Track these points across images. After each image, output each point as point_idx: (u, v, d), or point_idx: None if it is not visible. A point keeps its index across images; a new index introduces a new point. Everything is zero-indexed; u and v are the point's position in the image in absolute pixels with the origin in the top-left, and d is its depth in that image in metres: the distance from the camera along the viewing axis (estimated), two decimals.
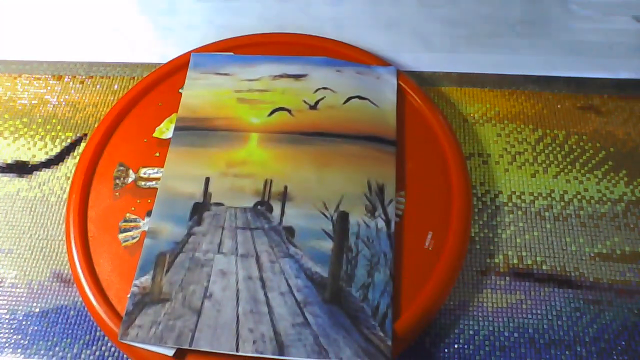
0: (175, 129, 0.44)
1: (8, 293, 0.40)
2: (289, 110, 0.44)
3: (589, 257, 0.40)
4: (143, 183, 0.42)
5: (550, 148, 0.45)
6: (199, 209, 0.40)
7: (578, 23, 0.51)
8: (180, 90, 0.46)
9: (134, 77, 0.50)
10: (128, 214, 0.41)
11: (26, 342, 0.39)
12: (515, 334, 0.38)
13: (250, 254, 0.39)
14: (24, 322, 0.39)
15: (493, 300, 0.39)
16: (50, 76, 0.51)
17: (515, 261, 0.40)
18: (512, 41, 0.49)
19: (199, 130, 0.44)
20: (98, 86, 0.50)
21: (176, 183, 0.42)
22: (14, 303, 0.40)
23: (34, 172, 0.45)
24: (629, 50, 0.49)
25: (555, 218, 0.42)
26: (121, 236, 0.40)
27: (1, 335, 0.39)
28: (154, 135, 0.44)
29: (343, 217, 0.39)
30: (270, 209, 0.40)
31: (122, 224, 0.41)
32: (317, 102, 0.45)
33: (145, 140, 0.44)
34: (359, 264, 0.38)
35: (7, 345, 0.38)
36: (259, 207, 0.40)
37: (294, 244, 0.39)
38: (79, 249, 0.39)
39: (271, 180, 0.41)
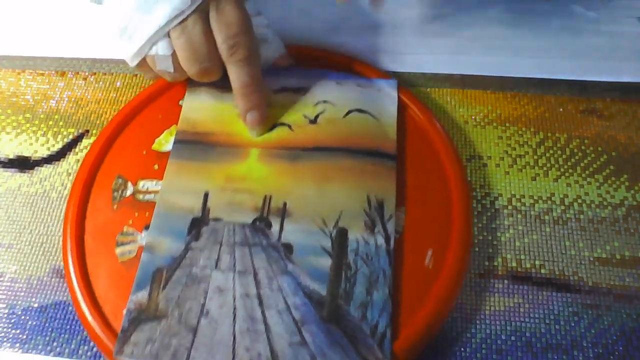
0: (175, 141, 0.44)
1: (7, 288, 0.41)
2: (289, 126, 0.44)
3: (588, 262, 0.40)
4: (141, 196, 0.42)
5: (551, 151, 0.45)
6: (197, 224, 0.40)
7: (581, 25, 0.50)
8: (180, 102, 0.46)
9: (136, 75, 0.50)
10: (125, 228, 0.41)
11: (24, 337, 0.39)
12: (513, 338, 0.38)
13: (248, 271, 0.38)
14: (22, 317, 0.39)
15: (491, 303, 0.39)
16: (53, 72, 0.51)
17: (514, 264, 0.40)
18: (514, 43, 0.49)
19: (199, 144, 0.43)
20: (101, 83, 0.50)
21: (174, 197, 0.41)
22: (13, 298, 0.40)
23: (36, 168, 0.46)
24: (633, 54, 0.49)
25: (555, 222, 0.42)
26: (118, 250, 0.40)
27: (0, 329, 0.39)
28: (153, 147, 0.44)
29: (342, 234, 0.39)
30: (269, 225, 0.40)
31: (120, 238, 0.40)
32: (317, 116, 0.44)
33: (145, 152, 0.44)
34: (358, 282, 0.37)
35: (5, 339, 0.39)
36: (257, 223, 0.40)
37: (292, 260, 0.38)
38: (76, 264, 0.39)
39: (270, 196, 0.41)
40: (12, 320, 0.39)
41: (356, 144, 0.43)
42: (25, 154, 0.46)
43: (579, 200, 0.42)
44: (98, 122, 0.48)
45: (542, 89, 0.48)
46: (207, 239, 0.39)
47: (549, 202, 0.42)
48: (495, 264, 0.40)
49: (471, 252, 0.40)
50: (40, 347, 0.38)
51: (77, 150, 0.46)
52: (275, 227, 0.40)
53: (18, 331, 0.39)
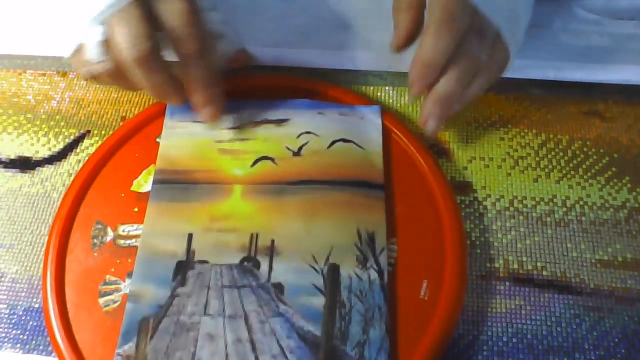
0: (154, 182, 0.42)
1: (8, 288, 0.41)
2: (272, 159, 0.43)
3: (590, 264, 0.40)
4: (122, 241, 0.40)
5: (553, 153, 0.45)
6: (183, 268, 0.38)
7: (584, 27, 0.50)
8: (157, 140, 0.44)
9: None
10: (108, 276, 0.39)
11: (25, 337, 0.39)
12: (514, 340, 0.37)
13: (239, 315, 0.37)
14: (23, 318, 0.39)
15: (492, 305, 0.39)
16: (55, 72, 0.51)
17: (516, 266, 0.40)
18: None
19: (179, 184, 0.42)
20: None
21: (157, 241, 0.39)
22: (14, 298, 0.40)
23: (37, 168, 0.46)
24: (635, 55, 0.49)
25: (556, 223, 0.42)
26: (101, 300, 0.38)
27: (1, 330, 0.39)
28: (132, 189, 0.42)
29: (334, 271, 0.38)
30: (258, 265, 0.38)
31: (102, 287, 0.39)
32: (300, 148, 0.43)
33: (123, 194, 0.42)
34: (353, 320, 0.36)
35: (6, 339, 0.39)
36: (245, 263, 0.39)
37: (284, 301, 0.37)
38: (58, 317, 0.37)
39: (257, 234, 0.39)
40: (13, 321, 0.39)
41: (342, 175, 0.42)
42: (27, 154, 0.46)
43: (581, 202, 0.42)
44: (99, 122, 0.48)
45: (544, 90, 0.48)
46: (194, 284, 0.38)
47: (551, 203, 0.42)
48: (497, 265, 0.40)
49: (467, 279, 0.39)
50: (41, 347, 0.38)
51: (78, 150, 0.46)
52: (264, 266, 0.38)
53: (19, 331, 0.39)
